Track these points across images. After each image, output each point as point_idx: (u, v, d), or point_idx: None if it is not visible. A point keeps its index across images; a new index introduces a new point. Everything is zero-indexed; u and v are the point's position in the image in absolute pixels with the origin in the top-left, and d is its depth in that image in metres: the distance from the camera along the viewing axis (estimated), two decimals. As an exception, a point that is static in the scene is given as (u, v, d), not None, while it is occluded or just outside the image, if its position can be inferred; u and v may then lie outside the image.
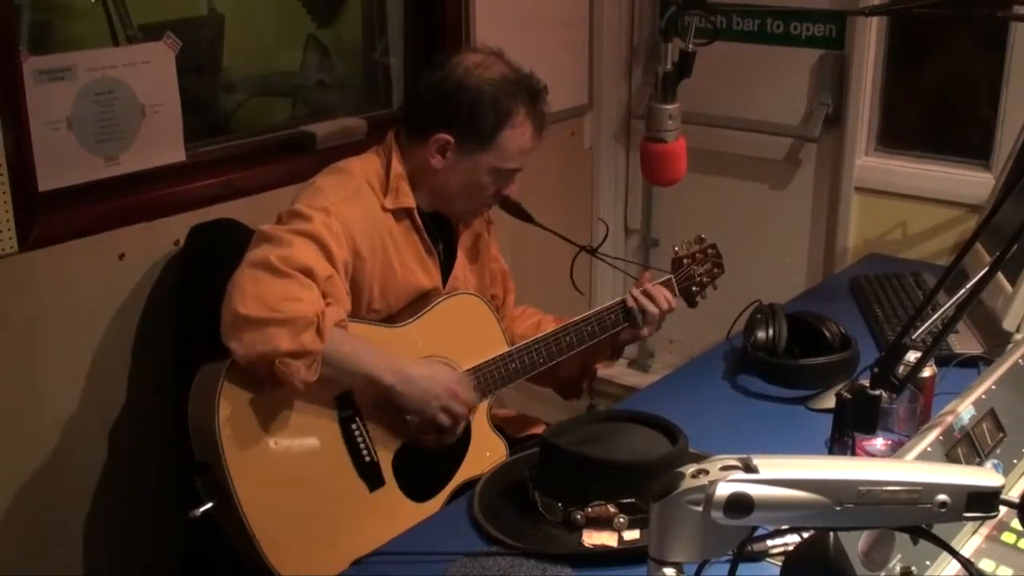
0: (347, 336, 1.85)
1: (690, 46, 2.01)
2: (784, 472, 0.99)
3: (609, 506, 1.57)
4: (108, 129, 2.15)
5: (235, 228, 2.25)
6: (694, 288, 2.29)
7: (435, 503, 1.97)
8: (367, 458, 1.91)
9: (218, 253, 2.18)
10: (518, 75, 2.02)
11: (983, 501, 1.00)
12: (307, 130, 2.58)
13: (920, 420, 1.71)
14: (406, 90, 2.89)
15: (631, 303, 2.16)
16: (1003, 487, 1.00)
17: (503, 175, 2.04)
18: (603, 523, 1.57)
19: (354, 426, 1.90)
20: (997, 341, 2.13)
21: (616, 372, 3.52)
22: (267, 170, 2.46)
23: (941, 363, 1.89)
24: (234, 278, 1.80)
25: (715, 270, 2.32)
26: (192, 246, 2.24)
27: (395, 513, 1.89)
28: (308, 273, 1.80)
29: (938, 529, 1.10)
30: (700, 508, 0.99)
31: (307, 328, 1.75)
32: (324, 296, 1.82)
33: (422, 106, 2.02)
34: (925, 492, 0.98)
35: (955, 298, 1.63)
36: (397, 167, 2.01)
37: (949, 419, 1.42)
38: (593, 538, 1.57)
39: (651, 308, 2.16)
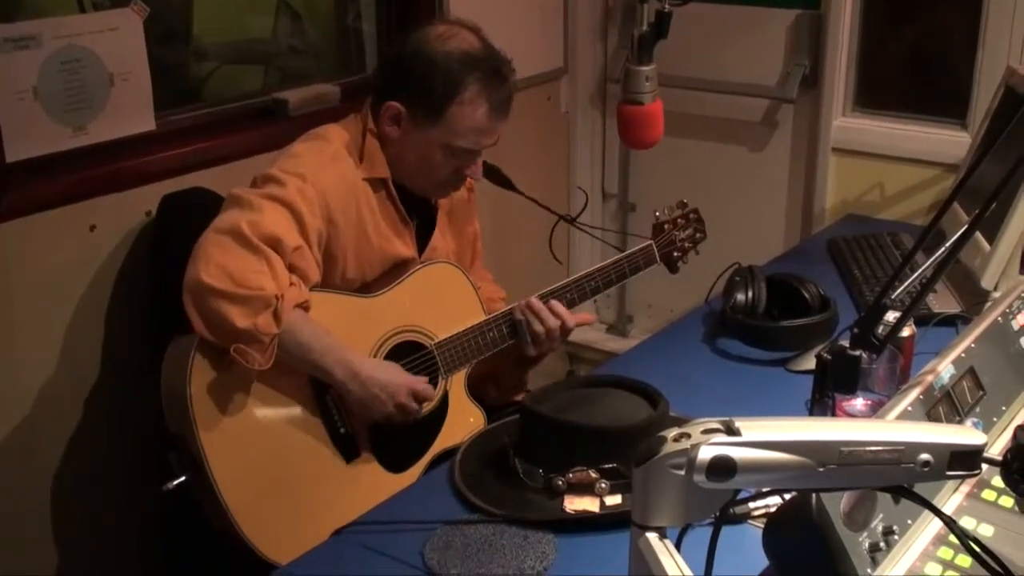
0: (305, 322, 1.81)
1: (666, 6, 2.00)
2: (766, 434, 0.98)
3: (590, 471, 1.57)
4: (76, 98, 2.11)
5: (208, 197, 2.22)
6: (675, 254, 2.28)
7: (413, 473, 1.96)
8: (342, 429, 1.90)
9: (191, 223, 2.13)
10: (484, 52, 1.95)
11: (966, 459, 1.00)
12: (279, 97, 2.55)
13: (900, 380, 1.71)
14: (379, 56, 2.86)
15: (518, 315, 2.03)
16: (986, 445, 1.00)
17: (457, 154, 1.97)
18: (584, 489, 1.57)
19: (328, 397, 1.89)
20: (975, 300, 2.14)
21: (595, 338, 3.52)
22: (239, 138, 2.43)
23: (920, 323, 1.89)
24: (201, 241, 1.77)
25: (697, 235, 2.31)
26: (164, 216, 2.21)
27: (372, 484, 1.88)
28: (276, 244, 1.77)
29: (919, 488, 1.10)
30: (682, 472, 0.98)
31: (264, 309, 1.73)
32: (290, 269, 1.80)
33: (381, 73, 2.00)
34: (908, 452, 0.98)
35: (933, 258, 1.63)
36: (371, 132, 1.98)
37: (929, 378, 1.42)
38: (575, 504, 1.56)
39: (536, 326, 2.02)
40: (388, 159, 1.99)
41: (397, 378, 1.88)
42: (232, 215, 1.79)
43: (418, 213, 2.09)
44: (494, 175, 2.12)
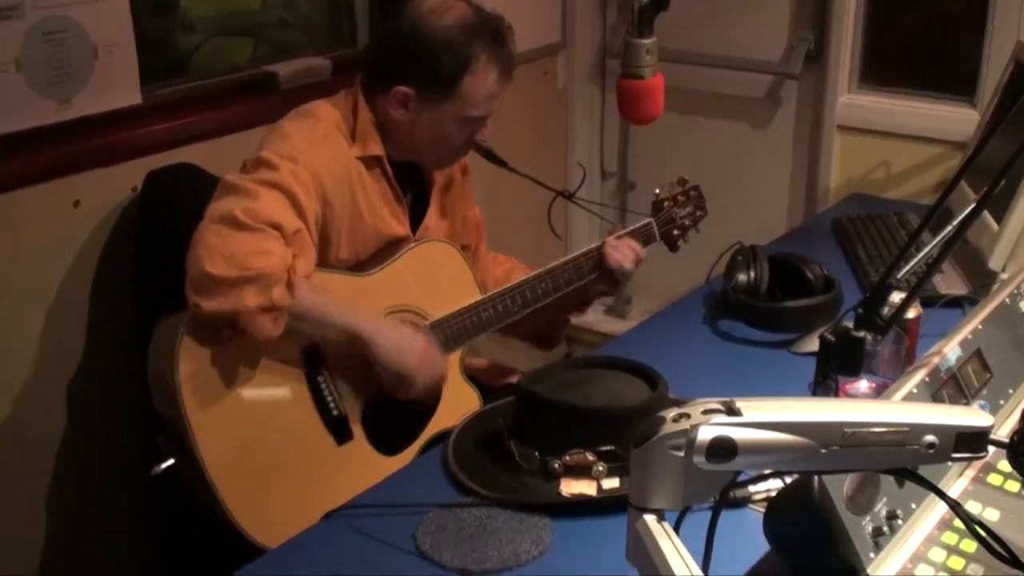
0: (316, 289, 1.83)
1: (667, -23, 1.99)
2: (768, 415, 0.98)
3: (587, 454, 1.56)
4: (60, 71, 2.10)
5: (195, 173, 2.22)
6: (676, 232, 2.27)
7: (406, 457, 1.96)
8: (334, 412, 1.90)
9: (177, 199, 2.15)
10: (478, 17, 1.96)
11: (972, 441, 1.00)
12: (269, 70, 2.54)
13: (905, 362, 1.72)
14: (371, 28, 2.84)
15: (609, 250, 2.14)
16: (993, 427, 1.00)
17: (471, 123, 1.99)
18: (581, 471, 1.57)
19: (320, 379, 1.89)
20: (983, 281, 2.14)
21: (593, 319, 3.52)
22: (228, 112, 2.43)
23: (926, 304, 1.89)
24: (199, 233, 1.76)
25: (698, 213, 2.30)
26: (150, 192, 2.20)
27: (365, 468, 1.88)
28: (276, 228, 1.78)
29: (925, 471, 1.10)
30: (681, 453, 0.98)
31: (277, 283, 1.74)
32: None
33: (380, 57, 1.99)
34: (912, 433, 0.98)
35: (940, 237, 1.63)
36: (364, 114, 1.97)
37: (935, 360, 1.42)
38: (571, 487, 1.56)
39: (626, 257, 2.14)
40: (394, 139, 1.99)
41: (415, 333, 1.93)
42: (226, 203, 1.79)
43: (412, 190, 2.08)
44: (486, 155, 2.12)
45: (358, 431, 1.93)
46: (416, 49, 1.93)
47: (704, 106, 3.24)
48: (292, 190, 1.82)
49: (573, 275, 2.12)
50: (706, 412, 0.99)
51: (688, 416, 1.00)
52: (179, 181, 2.20)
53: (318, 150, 1.90)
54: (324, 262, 1.93)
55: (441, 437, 1.92)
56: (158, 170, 2.22)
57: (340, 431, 1.91)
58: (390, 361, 1.87)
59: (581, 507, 1.53)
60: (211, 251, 1.73)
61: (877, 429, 0.98)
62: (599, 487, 1.56)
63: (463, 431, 1.75)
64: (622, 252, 2.14)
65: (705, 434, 0.97)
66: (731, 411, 0.99)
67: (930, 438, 0.98)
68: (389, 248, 2.02)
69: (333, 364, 1.90)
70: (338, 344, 1.87)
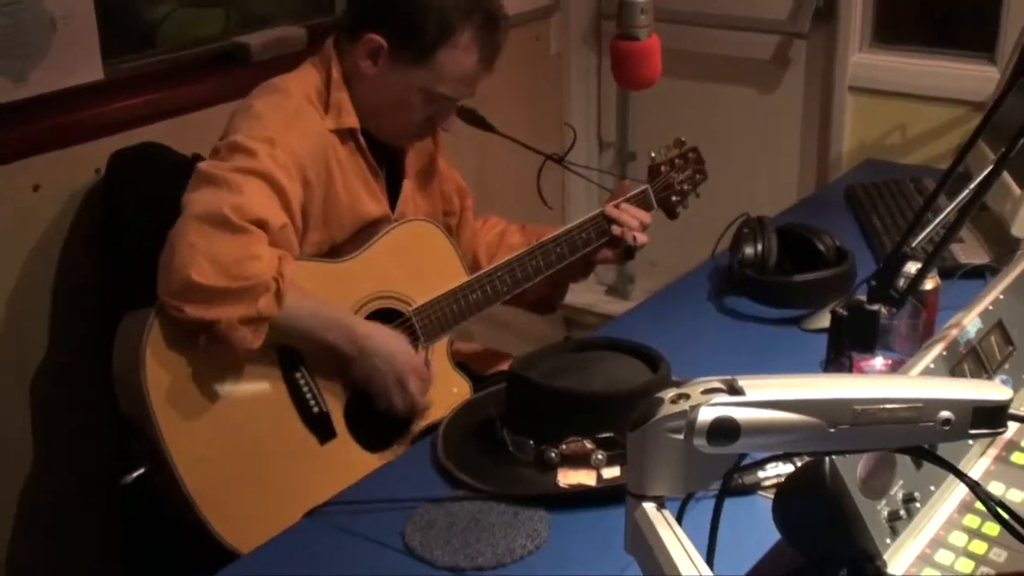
0: (301, 296, 1.83)
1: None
2: (772, 393, 0.97)
3: (585, 442, 1.56)
4: (14, 45, 2.09)
5: (162, 153, 2.21)
6: (674, 198, 2.27)
7: (393, 453, 1.96)
8: (315, 408, 1.89)
9: (144, 181, 2.14)
10: None
11: (990, 416, 0.99)
12: (240, 41, 2.53)
13: (923, 336, 1.71)
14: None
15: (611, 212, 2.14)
16: (1011, 400, 1.00)
17: (435, 101, 1.98)
18: (579, 461, 1.57)
19: (298, 374, 1.88)
20: (1005, 249, 2.13)
21: (593, 300, 3.52)
22: (197, 87, 2.42)
23: (945, 275, 1.88)
24: (180, 231, 1.75)
25: (697, 176, 2.30)
26: (114, 174, 2.19)
27: (350, 466, 1.87)
28: (262, 226, 1.77)
29: (943, 451, 1.10)
30: (681, 436, 0.98)
31: (264, 292, 1.74)
32: (274, 247, 1.80)
33: (361, 1, 1.97)
34: (927, 409, 0.98)
35: (957, 201, 1.63)
36: (336, 76, 1.96)
37: (953, 333, 1.41)
38: (569, 477, 1.56)
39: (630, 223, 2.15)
40: (355, 101, 1.97)
41: (406, 348, 1.93)
42: (208, 196, 1.77)
43: (386, 163, 2.08)
44: (470, 117, 2.11)
45: (341, 428, 1.93)
46: (404, 2, 1.92)
47: (707, 70, 3.23)
48: (274, 176, 1.82)
49: (566, 249, 2.11)
50: (706, 392, 0.98)
51: (687, 396, 0.99)
52: (146, 161, 2.19)
53: (293, 128, 1.90)
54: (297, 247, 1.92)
55: (431, 429, 1.92)
56: (123, 150, 2.21)
57: (322, 429, 1.90)
58: (373, 379, 1.89)
59: (579, 498, 1.53)
60: (196, 254, 1.72)
61: (889, 406, 0.98)
62: (598, 477, 1.56)
63: (453, 421, 1.75)
64: (627, 222, 2.14)
65: (706, 415, 0.96)
66: (733, 390, 0.98)
67: (945, 414, 0.97)
68: (367, 230, 2.01)
69: (311, 357, 1.90)
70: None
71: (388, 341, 1.90)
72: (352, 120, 1.97)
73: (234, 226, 1.74)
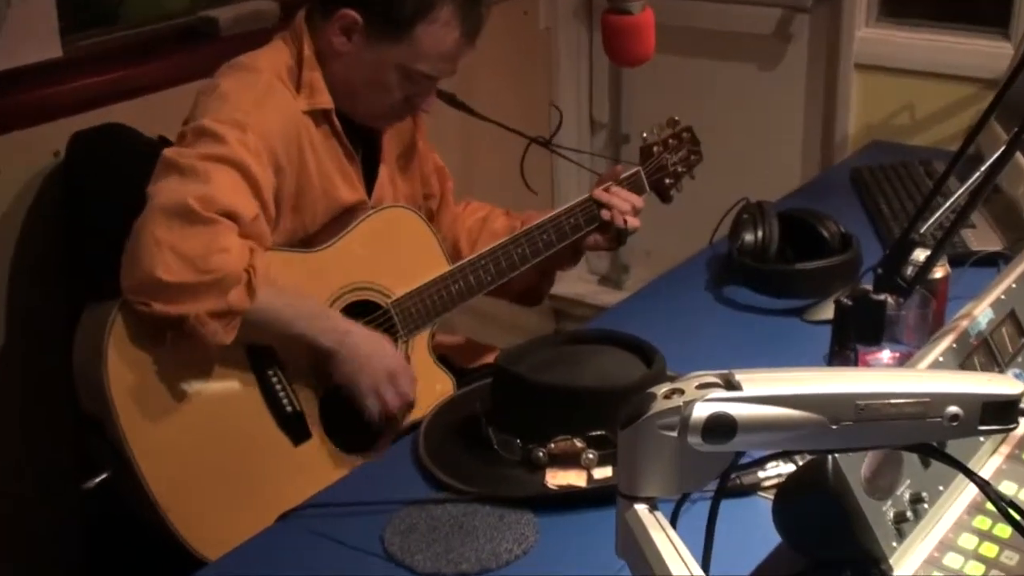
0: (275, 290, 1.83)
1: None
2: (771, 388, 0.98)
3: (575, 440, 1.57)
4: (-34, 20, 2.09)
5: (125, 134, 2.20)
6: (668, 180, 2.28)
7: (372, 454, 1.96)
8: (288, 408, 1.89)
9: (106, 164, 2.14)
10: None
11: (1001, 411, 0.99)
12: (208, 15, 2.53)
13: (932, 328, 1.72)
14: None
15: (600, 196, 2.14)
16: (1024, 395, 1.01)
17: (413, 79, 1.97)
18: (569, 460, 1.57)
19: (271, 372, 1.88)
20: (1019, 234, 2.14)
21: (585, 290, 3.53)
22: (162, 65, 2.41)
23: (955, 262, 1.89)
24: (145, 225, 1.74)
25: (692, 157, 2.31)
26: (75, 157, 2.19)
27: (326, 469, 1.88)
28: (232, 217, 1.77)
29: (952, 448, 1.10)
30: (675, 433, 0.98)
31: (235, 285, 1.74)
32: (244, 239, 1.80)
33: None
34: (934, 404, 0.98)
35: (968, 184, 1.63)
36: (309, 54, 1.95)
37: (964, 324, 1.42)
38: (558, 478, 1.57)
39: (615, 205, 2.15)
40: (328, 79, 1.97)
41: (388, 346, 1.93)
42: (174, 187, 1.77)
43: (362, 146, 2.07)
44: (449, 100, 2.11)
45: (317, 428, 1.93)
46: None
47: (705, 46, 3.24)
48: (244, 163, 1.81)
49: (554, 236, 2.12)
50: (701, 386, 0.99)
51: (681, 391, 0.99)
52: (108, 144, 2.19)
53: (263, 108, 1.89)
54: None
55: (412, 428, 1.92)
56: (83, 132, 2.20)
57: (296, 429, 1.90)
58: (354, 381, 1.89)
59: (569, 500, 1.54)
60: (162, 250, 1.71)
61: (895, 401, 0.98)
62: (589, 477, 1.56)
63: (435, 419, 1.75)
64: (618, 205, 2.14)
65: (701, 411, 0.97)
66: (730, 384, 0.98)
67: (953, 409, 0.98)
68: (342, 218, 2.01)
69: (285, 354, 1.90)
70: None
71: (366, 342, 1.90)
72: (326, 100, 1.96)
73: (201, 218, 1.73)
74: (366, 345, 1.89)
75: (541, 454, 1.58)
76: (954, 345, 1.38)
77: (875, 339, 1.61)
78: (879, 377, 1.02)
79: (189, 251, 1.72)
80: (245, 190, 1.81)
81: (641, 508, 1.02)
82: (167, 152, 1.82)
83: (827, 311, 1.88)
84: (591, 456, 1.56)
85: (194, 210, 1.73)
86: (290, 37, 1.99)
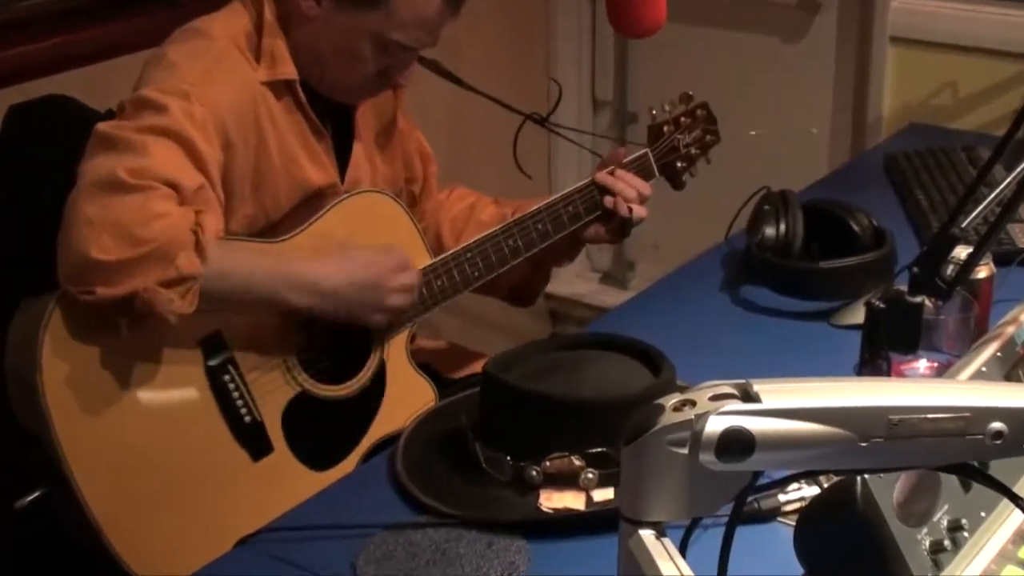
0: (232, 249, 1.83)
1: None
2: (793, 400, 0.98)
3: (573, 458, 1.57)
4: None
5: (70, 107, 2.20)
6: (679, 164, 2.27)
7: (343, 470, 1.96)
8: (247, 418, 1.90)
9: (48, 140, 2.13)
10: None
11: (1051, 429, 1.00)
12: (162, -25, 2.53)
13: (974, 334, 1.72)
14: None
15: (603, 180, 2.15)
16: (1076, 411, 1.01)
17: (389, 50, 1.97)
18: (566, 480, 1.58)
19: (227, 377, 1.88)
20: (1073, 231, 2.15)
21: (584, 289, 3.54)
22: (110, 30, 2.44)
23: (1001, 261, 1.90)
24: (73, 205, 1.74)
25: (708, 138, 2.30)
26: (12, 132, 2.18)
27: (291, 487, 1.87)
28: (172, 186, 1.76)
29: (995, 469, 1.11)
30: (685, 450, 0.98)
31: (182, 249, 1.73)
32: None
33: None
34: (975, 419, 0.98)
35: (1015, 174, 1.63)
36: (270, 18, 1.95)
37: (1010, 330, 1.43)
38: (554, 500, 1.57)
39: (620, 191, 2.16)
40: (293, 47, 1.97)
41: (366, 259, 1.94)
42: (104, 162, 1.77)
43: (332, 121, 2.07)
44: (433, 67, 2.11)
45: (279, 441, 1.93)
46: None
47: (722, 15, 3.25)
48: (187, 135, 1.81)
49: (550, 226, 2.12)
50: (715, 398, 0.99)
51: (693, 403, 1.00)
52: (49, 118, 2.18)
53: (215, 79, 1.89)
54: (224, 224, 1.91)
55: (388, 442, 1.93)
56: (22, 104, 2.20)
57: (255, 442, 1.91)
58: (352, 321, 1.92)
59: (565, 525, 1.54)
60: (94, 228, 1.71)
61: (932, 415, 0.99)
62: (588, 499, 1.57)
63: (415, 433, 1.76)
64: (622, 192, 2.15)
65: (714, 425, 0.97)
66: (747, 396, 0.99)
67: (997, 425, 0.98)
68: (311, 203, 2.01)
69: (242, 355, 1.90)
70: (255, 317, 1.88)
71: (342, 278, 1.91)
72: (289, 70, 1.96)
73: (129, 186, 1.73)
74: (343, 284, 1.90)
75: (534, 473, 1.58)
76: (999, 354, 1.39)
77: (911, 346, 1.61)
78: (914, 389, 1.02)
79: (122, 223, 1.71)
80: (186, 164, 1.80)
81: (646, 534, 1.03)
82: (100, 126, 1.82)
83: (857, 315, 1.89)
84: (590, 476, 1.57)
85: (123, 181, 1.73)
86: (249, 0, 1.99)
